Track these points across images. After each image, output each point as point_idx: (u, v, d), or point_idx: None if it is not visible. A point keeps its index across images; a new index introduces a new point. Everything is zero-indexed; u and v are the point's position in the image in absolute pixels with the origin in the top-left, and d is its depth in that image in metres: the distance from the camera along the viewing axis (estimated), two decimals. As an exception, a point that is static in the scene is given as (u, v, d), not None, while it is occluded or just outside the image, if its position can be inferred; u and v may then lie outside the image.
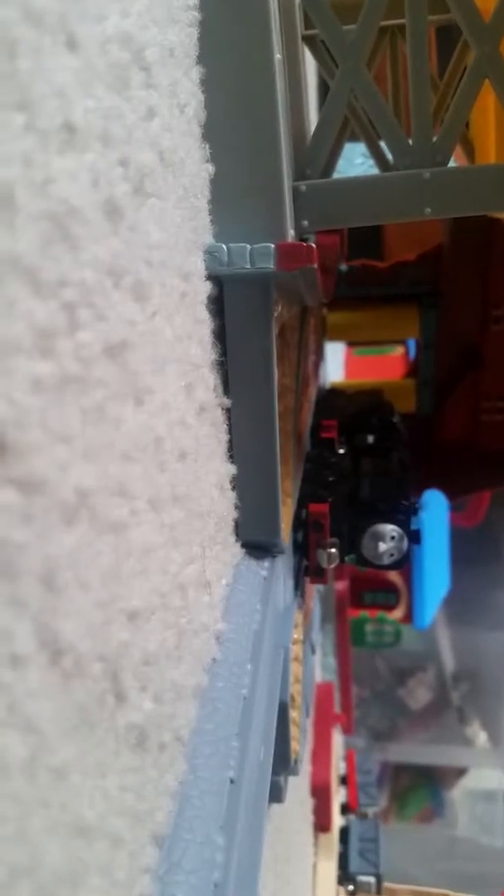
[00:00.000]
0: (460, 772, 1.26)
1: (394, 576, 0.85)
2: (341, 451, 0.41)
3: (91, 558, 0.14)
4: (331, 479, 0.39)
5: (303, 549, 0.38)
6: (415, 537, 0.40)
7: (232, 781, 0.20)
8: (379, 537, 0.39)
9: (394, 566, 0.40)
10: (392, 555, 0.39)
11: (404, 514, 0.40)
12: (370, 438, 0.44)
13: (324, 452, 0.40)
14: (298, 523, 0.36)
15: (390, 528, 0.39)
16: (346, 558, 0.40)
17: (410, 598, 0.85)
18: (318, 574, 0.38)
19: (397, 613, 0.84)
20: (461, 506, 0.89)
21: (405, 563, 0.40)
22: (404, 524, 0.40)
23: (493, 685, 1.12)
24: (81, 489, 0.14)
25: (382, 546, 0.39)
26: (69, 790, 0.13)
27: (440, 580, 0.86)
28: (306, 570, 0.39)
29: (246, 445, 0.26)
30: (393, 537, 0.39)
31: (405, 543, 0.40)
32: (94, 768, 0.14)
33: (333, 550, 0.37)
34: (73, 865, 0.13)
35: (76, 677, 0.13)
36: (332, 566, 0.38)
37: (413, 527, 0.40)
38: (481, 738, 1.28)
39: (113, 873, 0.15)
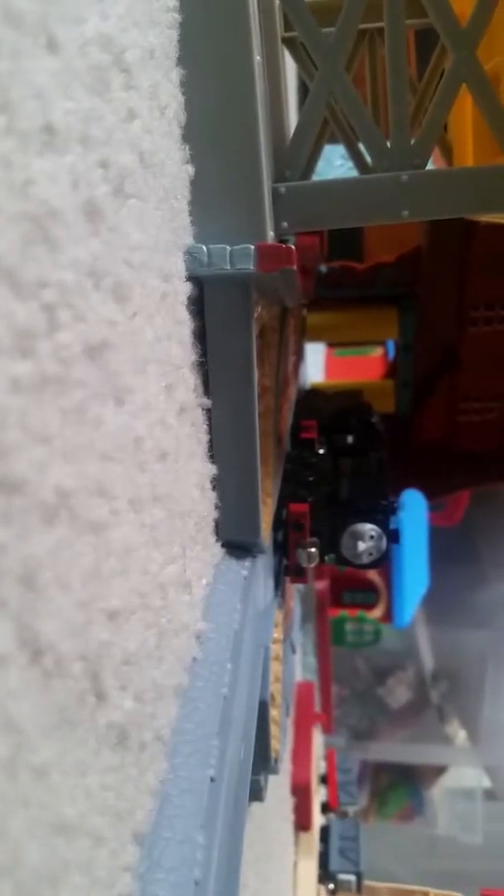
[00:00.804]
0: (440, 770, 1.27)
1: (373, 575, 0.85)
2: (321, 451, 0.41)
3: (71, 558, 0.14)
4: (311, 479, 0.39)
5: (283, 549, 0.38)
6: (393, 536, 0.40)
7: (212, 780, 0.20)
8: (358, 536, 0.39)
9: (372, 565, 0.41)
10: (371, 554, 0.40)
11: (383, 514, 0.40)
12: (349, 439, 0.45)
13: (304, 453, 0.41)
14: (278, 523, 0.36)
15: (369, 528, 0.39)
16: (326, 558, 0.40)
17: (390, 598, 0.86)
18: (298, 574, 0.38)
19: (377, 612, 0.85)
20: (440, 505, 0.90)
21: (384, 562, 0.41)
22: (383, 523, 0.40)
23: (471, 684, 1.13)
24: (61, 489, 0.14)
25: (361, 545, 0.39)
26: (50, 789, 0.13)
27: (419, 579, 0.87)
28: (286, 570, 0.39)
29: (226, 446, 0.27)
30: (372, 536, 0.40)
31: (384, 542, 0.40)
32: (75, 767, 0.14)
33: (313, 550, 0.38)
34: (53, 864, 0.13)
35: (57, 677, 0.14)
36: (312, 566, 0.38)
37: (392, 526, 0.40)
38: (460, 736, 1.29)
39: (94, 872, 0.15)
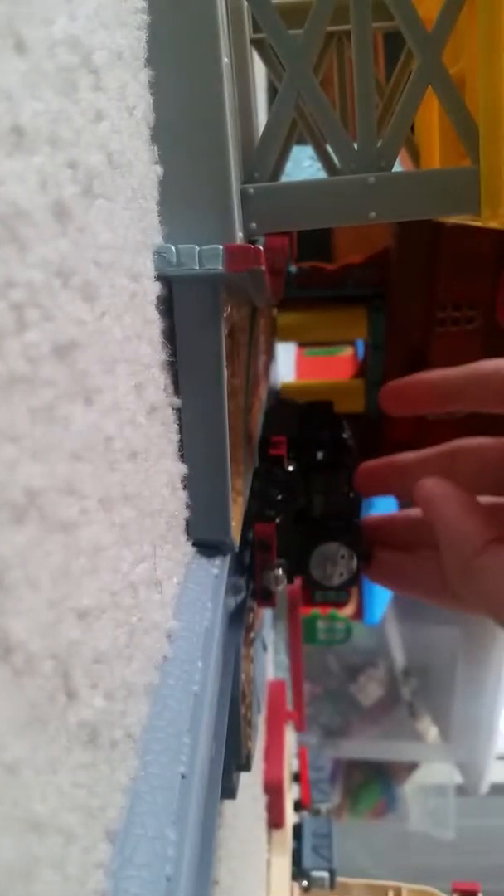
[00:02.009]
0: (412, 767, 1.28)
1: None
2: (290, 468, 0.40)
3: (41, 557, 0.14)
4: (279, 497, 0.37)
5: (249, 571, 0.37)
6: (365, 557, 0.39)
7: (183, 777, 0.20)
8: (328, 557, 0.39)
9: (343, 586, 0.39)
10: (342, 575, 0.39)
11: (354, 533, 0.39)
12: (320, 454, 0.43)
13: (272, 469, 0.39)
14: (245, 543, 0.35)
15: (339, 547, 0.39)
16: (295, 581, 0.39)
17: (361, 595, 0.86)
18: (265, 597, 0.37)
19: (348, 610, 0.85)
20: (409, 505, 0.91)
21: (355, 583, 0.40)
22: (354, 543, 0.39)
23: (441, 680, 1.14)
24: (30, 489, 0.14)
25: (331, 567, 0.38)
26: (21, 786, 0.13)
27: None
28: (253, 594, 0.37)
29: (196, 445, 0.27)
30: (343, 556, 0.39)
31: (355, 563, 0.39)
32: (47, 765, 0.14)
33: (280, 572, 0.36)
34: (25, 861, 0.13)
35: (27, 675, 0.14)
36: (280, 588, 0.37)
37: (363, 547, 0.39)
38: (432, 732, 1.30)
39: (66, 869, 0.15)
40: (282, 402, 0.51)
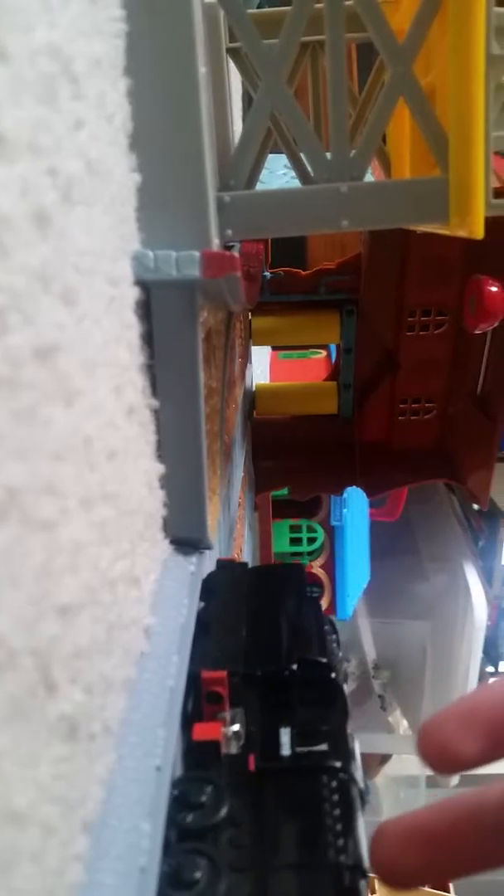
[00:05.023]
0: (383, 759, 1.29)
1: (318, 570, 0.87)
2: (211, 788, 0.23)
3: (22, 555, 0.15)
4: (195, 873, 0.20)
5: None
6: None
7: (158, 769, 0.20)
8: None
9: None
10: None
11: None
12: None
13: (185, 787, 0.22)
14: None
15: None
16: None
17: (333, 590, 0.87)
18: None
19: (321, 605, 0.87)
20: (381, 502, 0.92)
21: None
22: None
23: (412, 674, 1.16)
24: (11, 488, 0.14)
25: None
26: (1, 779, 0.14)
27: (361, 572, 0.89)
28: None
29: (174, 445, 0.27)
30: None
31: None
32: (27, 758, 0.15)
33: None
34: (4, 853, 0.14)
35: (8, 670, 0.14)
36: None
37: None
38: (403, 725, 1.31)
39: (44, 861, 0.15)
40: (224, 567, 0.32)
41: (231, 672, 0.24)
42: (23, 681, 0.15)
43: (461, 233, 0.25)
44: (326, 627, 0.28)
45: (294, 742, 0.24)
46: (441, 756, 0.20)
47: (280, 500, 0.79)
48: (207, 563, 0.30)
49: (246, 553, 0.62)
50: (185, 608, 0.26)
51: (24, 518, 0.15)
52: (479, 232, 0.24)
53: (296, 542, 0.87)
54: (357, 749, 0.24)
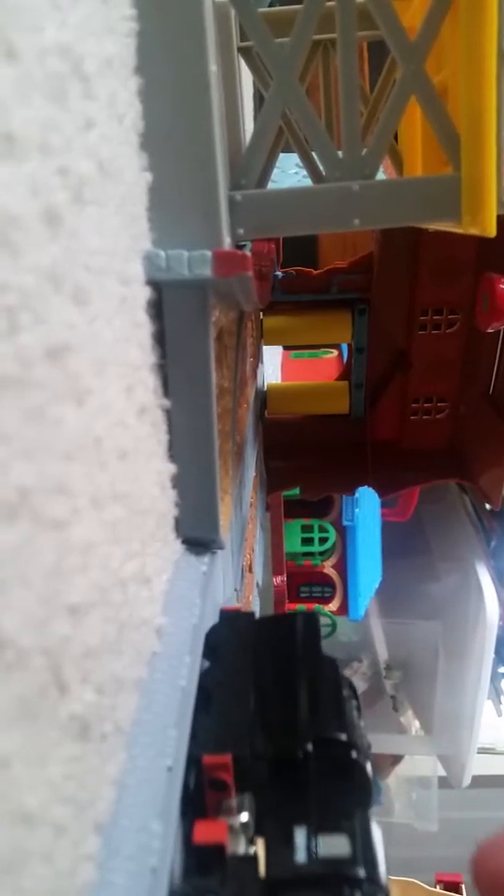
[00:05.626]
0: (395, 759, 1.28)
1: (329, 570, 0.87)
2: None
3: (32, 555, 0.15)
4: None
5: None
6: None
7: (169, 769, 0.20)
8: None
9: None
10: None
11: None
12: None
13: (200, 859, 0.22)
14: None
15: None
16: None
17: (345, 591, 0.87)
18: None
19: (333, 606, 0.86)
20: (392, 502, 0.92)
21: None
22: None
23: (424, 674, 1.15)
24: (22, 488, 0.14)
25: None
26: (12, 779, 0.14)
27: (373, 573, 0.89)
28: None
29: (185, 445, 0.27)
30: None
31: None
32: (38, 758, 0.15)
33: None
34: (16, 854, 0.14)
35: (18, 670, 0.14)
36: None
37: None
38: (415, 725, 1.31)
39: (56, 861, 0.15)
40: (228, 619, 0.30)
41: (237, 756, 0.22)
42: (34, 680, 0.15)
43: (473, 231, 0.25)
44: (346, 692, 0.25)
45: (310, 843, 0.21)
46: (495, 884, 0.19)
47: (292, 500, 0.79)
48: (219, 563, 0.30)
49: (258, 552, 0.62)
50: (197, 608, 0.26)
51: (35, 517, 0.15)
52: (491, 230, 0.24)
53: (307, 541, 0.87)
54: (380, 842, 0.21)
